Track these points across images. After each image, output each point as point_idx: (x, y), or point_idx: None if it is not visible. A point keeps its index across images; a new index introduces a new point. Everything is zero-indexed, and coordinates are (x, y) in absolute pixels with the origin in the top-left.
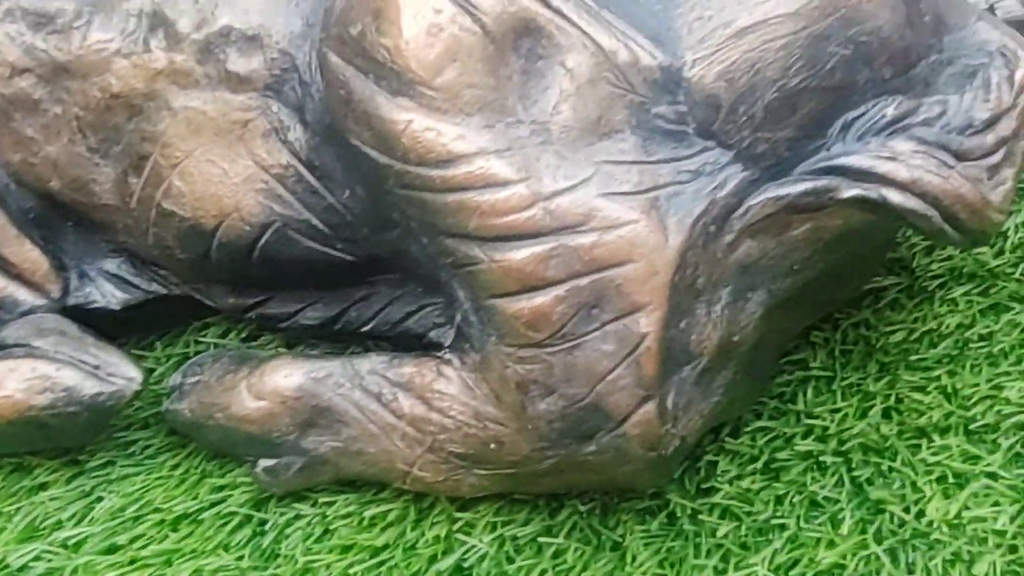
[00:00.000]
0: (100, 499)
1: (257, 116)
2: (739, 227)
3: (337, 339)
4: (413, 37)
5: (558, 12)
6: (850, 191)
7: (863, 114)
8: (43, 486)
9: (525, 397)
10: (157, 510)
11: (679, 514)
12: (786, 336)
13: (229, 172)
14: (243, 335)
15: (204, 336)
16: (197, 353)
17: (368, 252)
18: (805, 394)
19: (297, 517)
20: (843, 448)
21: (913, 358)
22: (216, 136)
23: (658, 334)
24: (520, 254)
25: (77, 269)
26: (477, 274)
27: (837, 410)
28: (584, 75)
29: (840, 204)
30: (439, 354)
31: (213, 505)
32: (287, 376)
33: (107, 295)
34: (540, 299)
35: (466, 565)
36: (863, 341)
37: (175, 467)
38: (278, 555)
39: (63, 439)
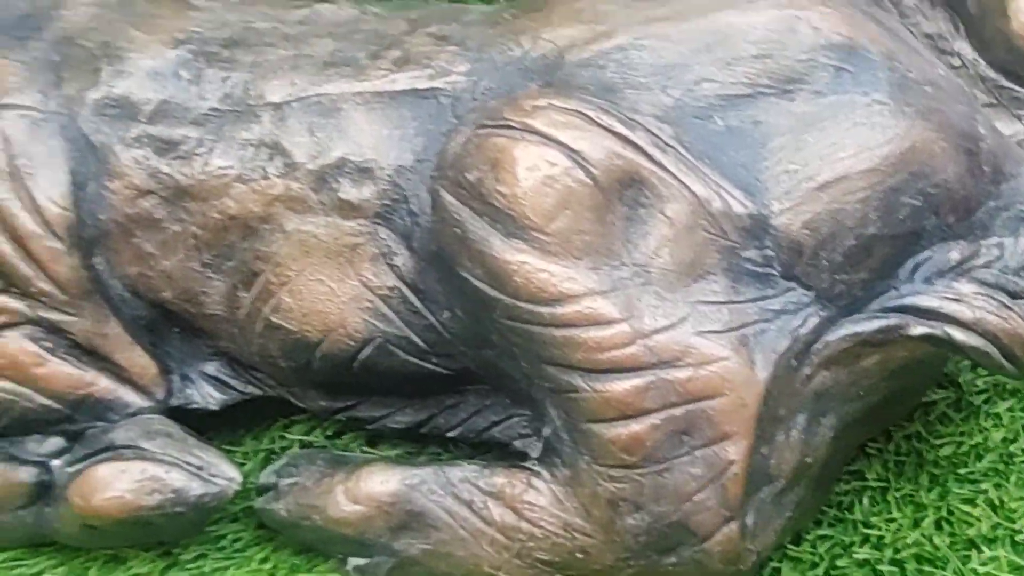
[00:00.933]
0: None
1: (366, 241)
2: (817, 361)
3: (421, 441)
4: (529, 187)
5: (660, 165)
6: (919, 329)
7: (930, 257)
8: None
9: (615, 513)
10: None
11: None
12: (848, 452)
13: (337, 291)
14: (328, 432)
15: (290, 432)
16: (283, 449)
17: (462, 366)
18: (862, 503)
19: None
20: (898, 556)
21: (962, 471)
22: (326, 258)
23: (744, 461)
24: (620, 386)
25: (180, 371)
26: (578, 401)
27: (892, 520)
28: (682, 222)
29: (908, 339)
30: (529, 466)
31: None
32: (383, 482)
33: (206, 396)
34: (636, 427)
35: None
36: (915, 453)
37: (264, 560)
38: None
39: (163, 535)
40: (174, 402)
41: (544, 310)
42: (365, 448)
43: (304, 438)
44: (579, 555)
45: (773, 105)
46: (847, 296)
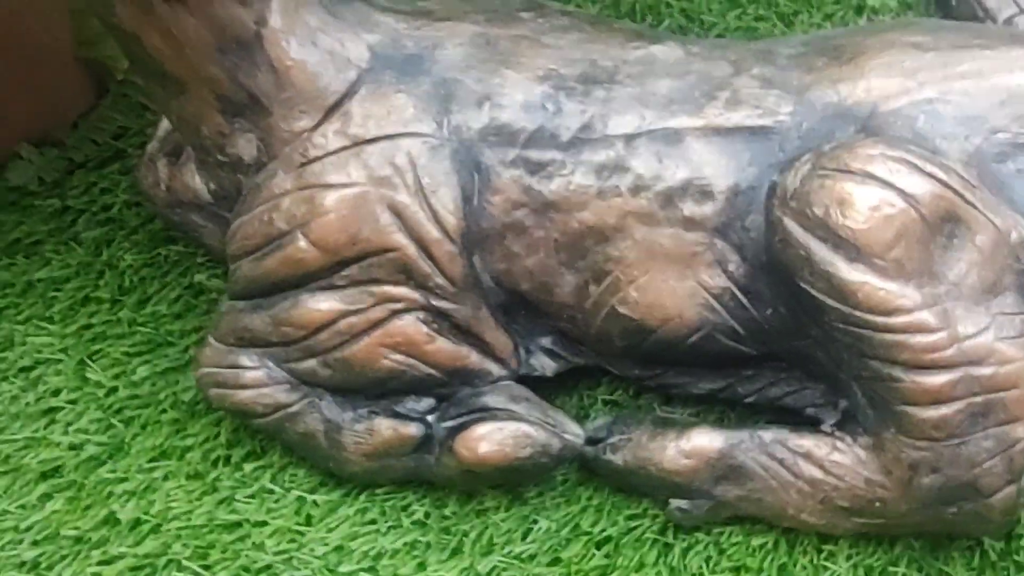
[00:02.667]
0: (536, 522)
1: (704, 250)
2: None
3: (710, 403)
4: (873, 224)
5: (970, 204)
6: None
7: None
8: (488, 510)
9: (914, 473)
10: (586, 533)
11: (991, 553)
12: None
13: (676, 289)
14: (629, 393)
15: (596, 392)
16: (591, 406)
17: (770, 350)
18: None
19: (696, 542)
20: None
21: None
22: (668, 262)
23: None
24: (936, 380)
25: (523, 345)
26: (897, 389)
27: None
28: (987, 250)
29: None
30: (829, 431)
31: (629, 531)
32: (710, 441)
33: (544, 366)
34: (944, 410)
35: None
36: None
37: (590, 498)
38: (677, 570)
39: (523, 479)
40: (521, 371)
41: (879, 319)
42: (663, 407)
43: (608, 397)
44: (876, 504)
45: None
46: None
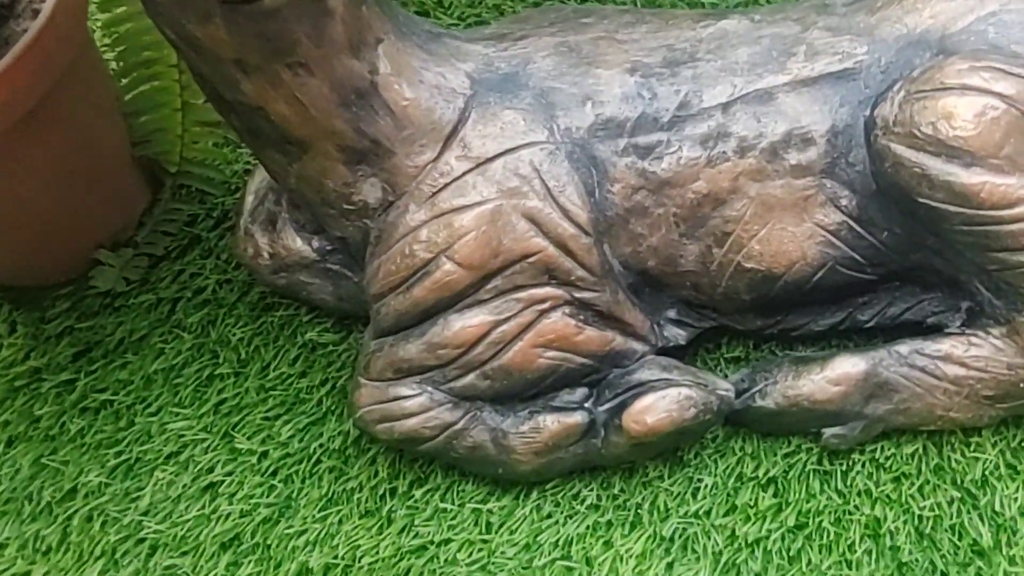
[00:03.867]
0: (700, 480)
1: (815, 192)
2: None
3: (827, 338)
4: (982, 128)
5: None
6: None
7: None
8: (652, 480)
9: None
10: (752, 478)
11: None
12: None
13: (796, 234)
14: (749, 346)
15: (716, 353)
16: (714, 366)
17: (888, 271)
18: None
19: (854, 463)
20: None
21: None
22: (784, 210)
23: None
24: None
25: (653, 320)
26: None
27: None
28: None
29: None
30: (963, 332)
31: (790, 468)
32: (854, 365)
33: (675, 336)
34: None
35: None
36: None
37: (743, 448)
38: (844, 493)
39: (688, 440)
40: (659, 345)
41: (1005, 212)
42: (786, 351)
43: (730, 355)
44: (1021, 385)
45: None
46: None
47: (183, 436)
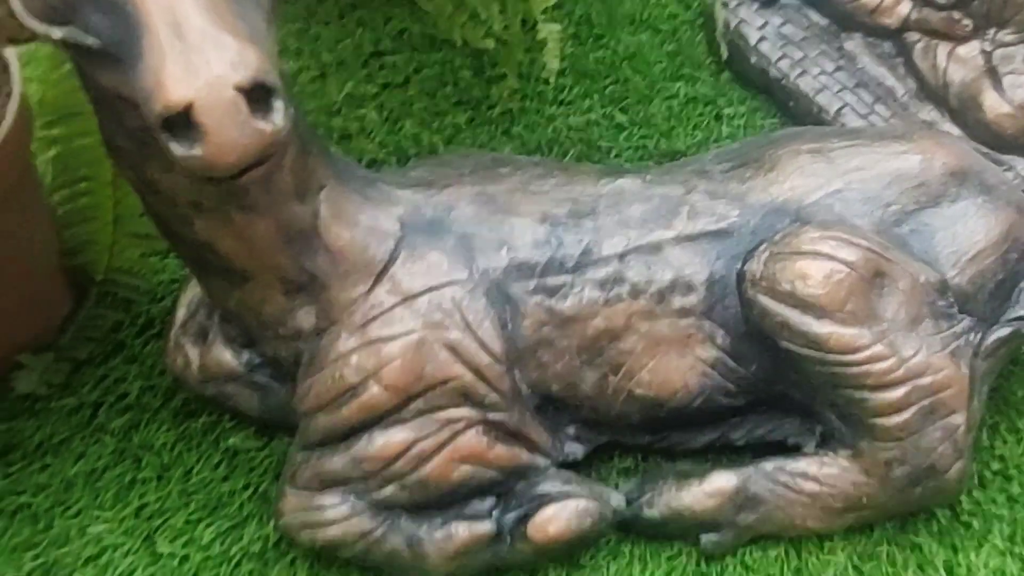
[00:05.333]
0: None
1: (696, 331)
2: (982, 356)
3: (709, 452)
4: (830, 289)
5: (888, 260)
6: None
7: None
8: None
9: (888, 469)
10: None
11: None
12: None
13: (680, 365)
14: (638, 459)
15: (610, 464)
16: (606, 476)
17: (755, 398)
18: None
19: (727, 566)
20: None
21: None
22: (670, 345)
23: (965, 423)
24: (895, 394)
25: (554, 437)
26: (867, 407)
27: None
28: (908, 291)
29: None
30: (817, 453)
31: (672, 570)
32: (727, 480)
33: (574, 451)
34: (904, 416)
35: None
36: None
37: (632, 551)
38: None
39: (582, 548)
40: (559, 459)
41: (847, 357)
42: (666, 462)
43: (621, 466)
44: (863, 499)
45: (932, 213)
46: (992, 316)
47: (103, 540)
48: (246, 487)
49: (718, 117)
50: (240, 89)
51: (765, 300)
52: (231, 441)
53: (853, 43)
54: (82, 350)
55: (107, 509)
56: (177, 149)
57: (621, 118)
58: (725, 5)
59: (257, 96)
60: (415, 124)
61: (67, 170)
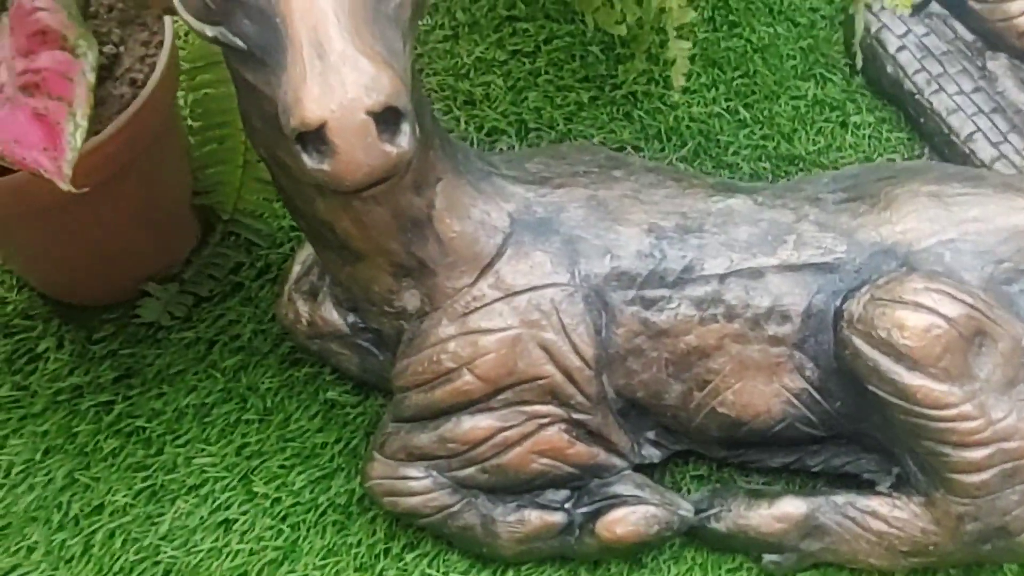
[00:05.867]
0: None
1: (786, 360)
2: None
3: (778, 473)
4: (926, 343)
5: (993, 320)
6: None
7: None
8: (615, 575)
9: (960, 523)
10: None
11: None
12: None
13: (765, 391)
14: (712, 468)
15: (684, 469)
16: (680, 481)
17: (835, 432)
18: None
19: None
20: None
21: None
22: (758, 370)
23: None
24: (977, 454)
25: (634, 440)
26: (947, 463)
27: None
28: (1007, 353)
29: None
30: (887, 493)
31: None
32: (796, 507)
33: (651, 454)
34: (983, 476)
35: None
36: None
37: (694, 558)
38: None
39: (649, 549)
40: (636, 461)
41: (934, 412)
42: (744, 477)
43: (695, 473)
44: (929, 547)
45: None
46: None
47: (206, 472)
48: (338, 440)
49: (844, 124)
50: (371, 113)
51: (859, 343)
52: (329, 394)
53: (997, 63)
54: (204, 286)
55: (212, 444)
56: (308, 161)
57: (745, 114)
58: (868, 6)
59: (387, 118)
60: (539, 97)
61: (206, 115)
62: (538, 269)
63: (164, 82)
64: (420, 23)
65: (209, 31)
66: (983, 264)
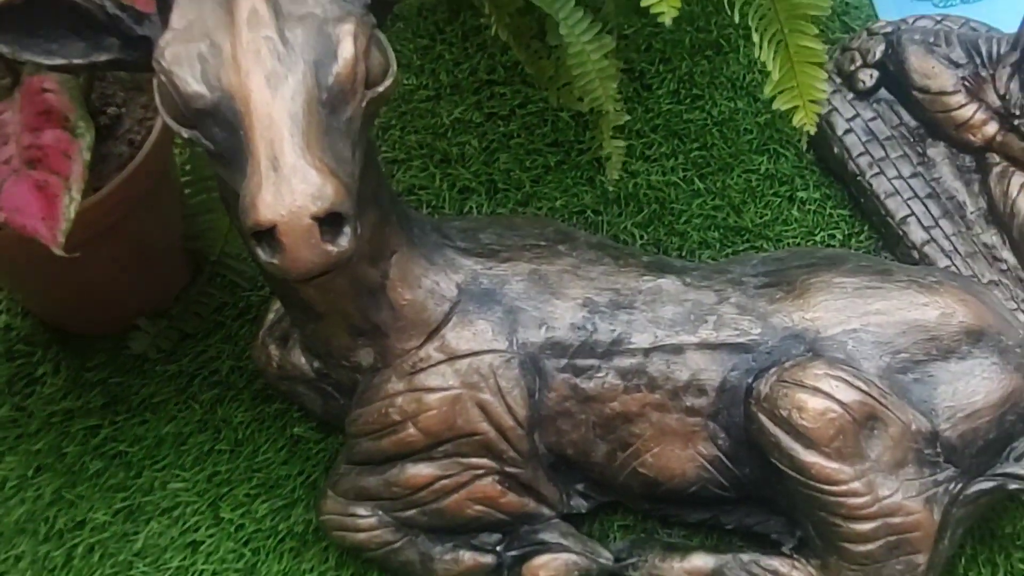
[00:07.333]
0: None
1: (701, 429)
2: (959, 504)
3: (696, 528)
4: (821, 424)
5: (885, 407)
6: (1012, 485)
7: (1016, 446)
8: None
9: None
10: None
11: None
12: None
13: (681, 455)
14: (638, 519)
15: (612, 518)
16: (608, 528)
17: (745, 495)
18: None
19: None
20: None
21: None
22: (675, 437)
23: (927, 563)
24: (864, 527)
25: (564, 491)
26: (838, 532)
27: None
28: (896, 437)
29: (1006, 491)
30: (789, 554)
31: None
32: (705, 563)
33: (579, 505)
34: (870, 546)
35: None
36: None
37: None
38: None
39: None
40: (564, 511)
41: (826, 487)
42: (666, 530)
43: (621, 522)
44: None
45: (939, 366)
46: (978, 469)
47: (179, 496)
48: (300, 472)
49: (791, 199)
50: (315, 217)
51: (764, 419)
52: (296, 430)
53: (936, 150)
54: (189, 323)
55: (186, 470)
56: (261, 254)
57: (699, 184)
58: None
59: (331, 220)
60: (510, 158)
61: (197, 169)
62: (480, 336)
63: (159, 143)
64: (403, 84)
65: (185, 133)
66: (881, 354)
